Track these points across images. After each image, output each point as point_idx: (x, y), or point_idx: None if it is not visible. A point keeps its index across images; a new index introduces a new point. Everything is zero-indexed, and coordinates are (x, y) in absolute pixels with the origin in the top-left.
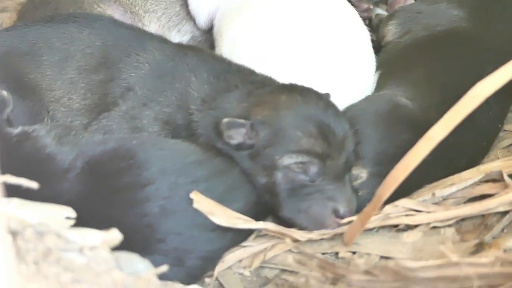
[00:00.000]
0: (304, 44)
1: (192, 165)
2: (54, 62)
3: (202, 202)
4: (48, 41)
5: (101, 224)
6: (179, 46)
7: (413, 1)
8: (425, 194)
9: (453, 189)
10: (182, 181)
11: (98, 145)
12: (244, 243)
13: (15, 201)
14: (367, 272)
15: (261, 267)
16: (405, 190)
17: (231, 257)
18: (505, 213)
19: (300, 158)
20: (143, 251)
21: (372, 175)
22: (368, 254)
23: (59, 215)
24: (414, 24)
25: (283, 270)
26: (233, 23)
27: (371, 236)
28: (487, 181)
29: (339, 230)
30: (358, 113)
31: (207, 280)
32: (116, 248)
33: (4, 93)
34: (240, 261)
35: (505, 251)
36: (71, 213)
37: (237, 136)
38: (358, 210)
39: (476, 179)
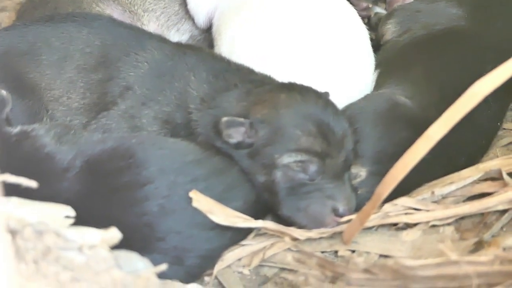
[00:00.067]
0: (303, 43)
1: (191, 164)
2: (53, 62)
3: (201, 201)
4: (47, 41)
5: (100, 223)
6: (178, 45)
7: (412, 0)
8: (424, 192)
9: (452, 187)
10: (181, 180)
11: (97, 144)
12: (243, 242)
13: (14, 200)
14: (366, 271)
15: (260, 265)
16: (404, 188)
17: (231, 255)
18: (504, 211)
19: (299, 157)
20: (143, 250)
21: (371, 173)
22: (367, 252)
23: (58, 214)
24: (413, 22)
25: (282, 269)
26: (232, 22)
27: (370, 234)
28: (486, 179)
29: (338, 228)
30: (357, 112)
31: (206, 278)
32: (115, 247)
33: (3, 92)
34: (240, 259)
35: (504, 249)
36: (70, 212)
37: (236, 135)
38: (357, 209)
39: (475, 177)
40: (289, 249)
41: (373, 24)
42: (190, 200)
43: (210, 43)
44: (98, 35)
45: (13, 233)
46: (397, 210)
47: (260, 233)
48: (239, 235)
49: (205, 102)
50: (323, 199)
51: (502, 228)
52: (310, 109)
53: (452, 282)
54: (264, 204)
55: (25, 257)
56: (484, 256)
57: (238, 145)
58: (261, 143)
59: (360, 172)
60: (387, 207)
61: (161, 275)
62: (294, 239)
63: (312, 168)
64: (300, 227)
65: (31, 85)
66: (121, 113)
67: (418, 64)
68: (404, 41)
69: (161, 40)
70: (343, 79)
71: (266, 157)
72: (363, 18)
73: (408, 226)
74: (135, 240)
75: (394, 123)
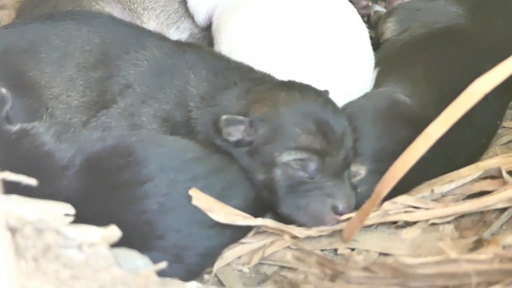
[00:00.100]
0: (302, 41)
1: (191, 162)
2: (53, 60)
3: (201, 199)
4: (47, 39)
5: (100, 221)
6: (178, 43)
7: None
8: (424, 190)
9: (452, 185)
10: (181, 178)
11: (97, 142)
12: (243, 240)
13: (14, 198)
14: (366, 269)
15: (260, 263)
16: (404, 186)
17: (230, 253)
18: (504, 209)
19: (299, 155)
20: (142, 248)
21: (371, 172)
22: (367, 250)
23: (58, 212)
24: (412, 21)
25: (282, 267)
26: (231, 20)
27: (370, 232)
28: (486, 178)
29: (338, 226)
30: (357, 110)
31: (206, 276)
32: (115, 245)
33: (3, 90)
34: (239, 257)
35: (504, 247)
36: (70, 210)
37: (236, 133)
38: (357, 207)
39: (475, 175)
40: (288, 247)
41: (372, 23)
42: (189, 198)
43: (210, 41)
44: (98, 33)
45: (13, 231)
46: (396, 208)
47: (260, 231)
48: (239, 233)
49: (204, 100)
50: (323, 197)
51: (501, 226)
52: (309, 107)
53: (451, 280)
54: (263, 202)
55: (25, 255)
56: (484, 254)
57: (238, 143)
58: (260, 141)
59: (360, 170)
60: (387, 205)
61: (161, 273)
62: (294, 237)
63: (312, 166)
64: (299, 225)
65: (31, 83)
66: (121, 111)
67: (417, 63)
68: (404, 39)
69: (161, 38)
70: (343, 77)
71: (265, 155)
72: (362, 16)
73: (407, 224)
74: (134, 238)
75: (394, 121)
